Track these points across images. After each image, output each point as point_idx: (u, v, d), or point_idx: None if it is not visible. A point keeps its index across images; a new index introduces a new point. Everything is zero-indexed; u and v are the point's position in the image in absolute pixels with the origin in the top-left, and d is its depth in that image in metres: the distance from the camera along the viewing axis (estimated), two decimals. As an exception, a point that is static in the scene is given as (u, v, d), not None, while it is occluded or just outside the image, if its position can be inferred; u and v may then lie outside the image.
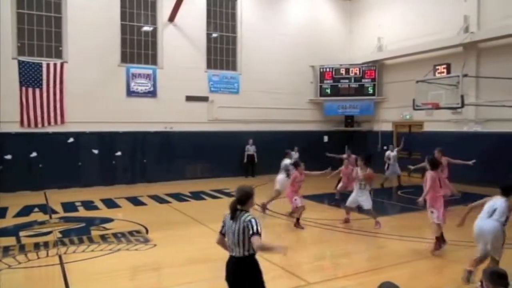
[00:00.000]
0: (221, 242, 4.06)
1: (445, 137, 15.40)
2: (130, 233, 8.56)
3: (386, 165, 14.82)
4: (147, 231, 8.71)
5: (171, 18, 16.12)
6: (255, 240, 3.66)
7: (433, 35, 15.80)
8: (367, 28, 19.55)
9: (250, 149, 17.45)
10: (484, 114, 14.76)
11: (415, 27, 16.89)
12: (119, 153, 15.38)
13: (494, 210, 5.55)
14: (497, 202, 5.63)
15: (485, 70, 14.52)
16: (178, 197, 13.16)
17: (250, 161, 17.52)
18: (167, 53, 16.23)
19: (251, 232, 3.68)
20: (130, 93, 15.61)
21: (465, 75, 12.82)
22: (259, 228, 3.72)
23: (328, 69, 19.50)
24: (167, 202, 12.42)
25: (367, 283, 5.55)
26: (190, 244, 7.94)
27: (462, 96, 12.39)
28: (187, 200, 12.80)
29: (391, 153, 14.86)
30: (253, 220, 3.74)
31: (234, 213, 3.85)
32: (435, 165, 7.63)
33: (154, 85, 15.99)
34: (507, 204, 5.53)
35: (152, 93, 15.97)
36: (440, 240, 7.36)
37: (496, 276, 3.32)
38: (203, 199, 13.13)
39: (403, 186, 14.65)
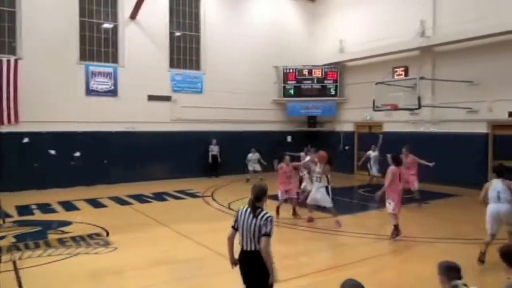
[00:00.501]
0: (232, 237, 4.18)
1: (403, 137, 15.90)
2: (90, 236, 8.29)
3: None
4: (107, 234, 8.47)
5: (133, 16, 15.77)
6: (264, 241, 3.88)
7: (392, 39, 16.29)
8: (329, 30, 19.92)
9: (214, 149, 17.35)
10: (439, 115, 15.39)
11: (375, 30, 17.35)
12: (78, 154, 14.83)
13: (498, 193, 6.34)
14: (497, 186, 6.41)
15: (440, 73, 15.15)
16: (140, 198, 12.89)
17: (214, 161, 17.43)
18: (128, 51, 15.86)
19: (263, 231, 3.89)
20: (89, 92, 15.11)
21: (422, 78, 13.33)
22: (272, 229, 3.94)
23: (291, 70, 19.71)
24: (129, 203, 12.13)
25: (330, 280, 5.64)
26: (152, 246, 7.80)
27: (419, 98, 12.88)
28: (149, 202, 12.55)
29: (372, 153, 15.16)
30: (270, 220, 3.95)
31: (254, 210, 3.99)
32: (398, 161, 8.41)
33: (115, 84, 15.57)
34: (505, 183, 6.42)
35: (113, 92, 15.54)
36: (397, 229, 7.79)
37: (451, 270, 3.46)
38: (166, 200, 12.93)
39: (365, 186, 15.02)
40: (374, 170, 15.11)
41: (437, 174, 13.38)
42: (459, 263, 3.53)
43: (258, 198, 4.04)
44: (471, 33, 13.72)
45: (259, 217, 3.93)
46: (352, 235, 8.60)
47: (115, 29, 15.81)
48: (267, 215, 3.96)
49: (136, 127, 15.88)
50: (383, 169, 14.59)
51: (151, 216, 10.35)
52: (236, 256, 4.19)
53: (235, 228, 4.13)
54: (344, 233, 8.74)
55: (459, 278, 3.39)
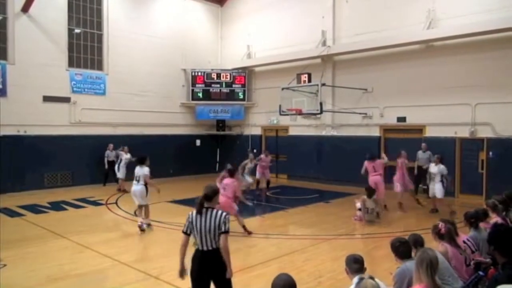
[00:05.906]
0: (186, 243, 4.15)
1: (307, 140, 16.79)
2: (-28, 253, 7.33)
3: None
4: (-7, 250, 7.57)
5: (25, 9, 14.38)
6: (225, 238, 3.99)
7: (296, 46, 17.09)
8: (237, 35, 20.22)
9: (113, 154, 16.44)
10: (339, 120, 16.48)
11: (280, 38, 18.03)
12: (-43, 161, 13.08)
13: None
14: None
15: (340, 80, 16.27)
16: (34, 208, 11.77)
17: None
18: (19, 47, 14.40)
19: (223, 229, 4.00)
20: (-29, 91, 13.45)
21: (323, 84, 14.16)
22: (229, 227, 4.08)
23: (199, 73, 19.59)
24: (20, 215, 10.98)
25: (240, 282, 5.66)
26: (48, 261, 7.14)
27: (321, 103, 13.65)
28: (45, 212, 11.50)
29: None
30: (228, 218, 4.08)
31: (205, 209, 4.05)
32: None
33: (4, 83, 14.03)
34: None
35: (1, 92, 14.00)
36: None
37: (353, 261, 3.73)
38: (65, 209, 11.95)
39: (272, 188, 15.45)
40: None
41: (337, 175, 14.34)
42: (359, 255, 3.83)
43: (209, 197, 4.10)
44: (365, 45, 14.94)
45: (217, 216, 4.02)
46: (260, 237, 8.78)
47: (3, 22, 14.27)
48: (224, 213, 4.08)
49: (30, 131, 14.50)
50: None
51: (47, 227, 9.48)
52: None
53: (187, 234, 4.12)
54: (252, 235, 8.88)
55: (361, 269, 3.66)
